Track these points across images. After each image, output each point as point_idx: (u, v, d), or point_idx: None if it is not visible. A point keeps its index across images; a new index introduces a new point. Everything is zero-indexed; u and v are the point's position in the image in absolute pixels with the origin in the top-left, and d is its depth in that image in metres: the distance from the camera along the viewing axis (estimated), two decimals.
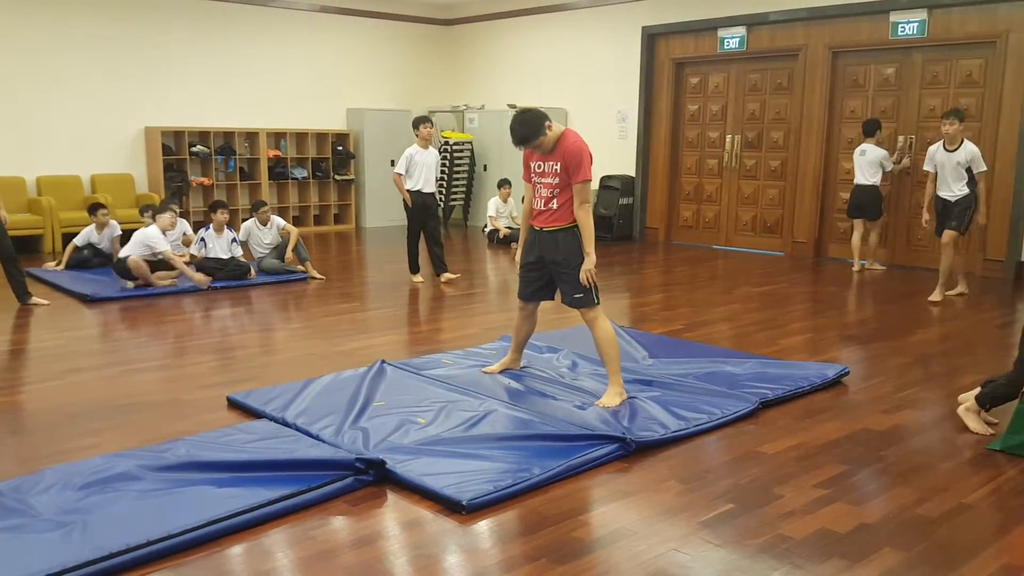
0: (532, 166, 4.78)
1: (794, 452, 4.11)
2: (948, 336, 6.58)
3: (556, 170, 4.63)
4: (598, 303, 4.75)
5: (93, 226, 9.17)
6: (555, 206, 4.68)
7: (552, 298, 5.04)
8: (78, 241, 9.15)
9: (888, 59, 9.87)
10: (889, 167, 9.33)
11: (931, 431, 4.45)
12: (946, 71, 9.46)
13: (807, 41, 10.38)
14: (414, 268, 8.73)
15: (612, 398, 4.64)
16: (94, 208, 9.17)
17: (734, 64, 11.22)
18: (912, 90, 9.72)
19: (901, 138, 9.73)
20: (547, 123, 4.57)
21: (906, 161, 9.61)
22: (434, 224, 8.74)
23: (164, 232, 8.21)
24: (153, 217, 8.61)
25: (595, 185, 11.52)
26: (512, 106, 13.00)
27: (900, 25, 9.55)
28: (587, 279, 4.65)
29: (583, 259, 4.66)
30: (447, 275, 8.76)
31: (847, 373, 5.33)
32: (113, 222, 9.25)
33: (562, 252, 4.71)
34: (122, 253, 8.11)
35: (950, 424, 4.54)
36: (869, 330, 6.78)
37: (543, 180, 4.71)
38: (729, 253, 11.14)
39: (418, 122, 8.46)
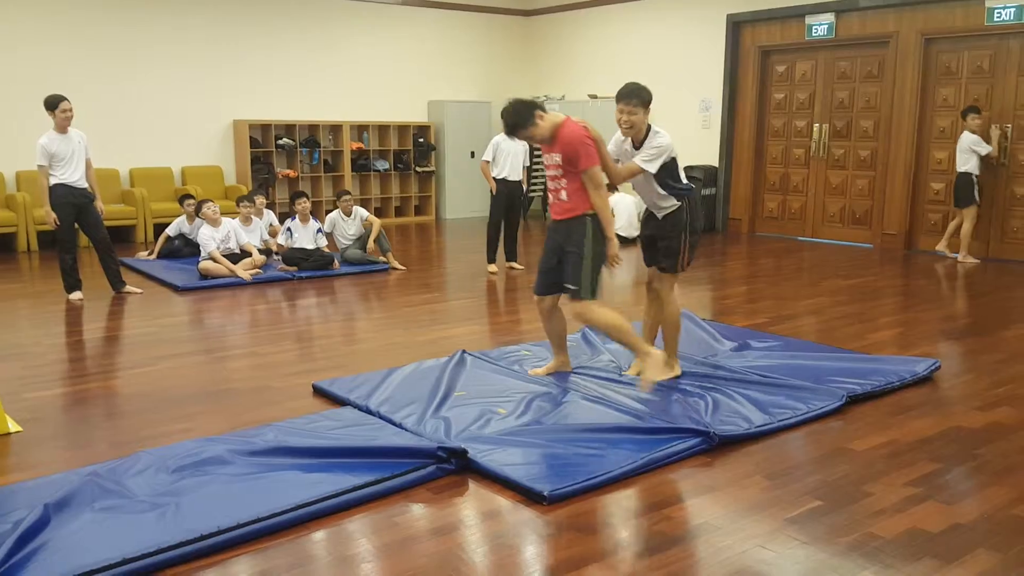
0: (544, 158, 4.71)
1: (884, 449, 4.00)
2: None
3: (557, 162, 4.54)
4: (591, 299, 4.60)
5: (184, 217, 9.45)
6: (564, 197, 4.59)
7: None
8: (170, 231, 9.43)
9: (983, 46, 9.53)
10: (984, 151, 9.06)
11: None
12: None
13: (898, 28, 10.08)
14: (491, 257, 8.79)
15: (656, 373, 4.64)
16: (183, 199, 9.47)
17: (822, 51, 10.96)
18: (1008, 78, 9.36)
19: (995, 127, 9.38)
20: (537, 112, 4.49)
21: (994, 148, 9.27)
22: (515, 214, 8.82)
23: (215, 224, 8.40)
24: (197, 212, 8.84)
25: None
26: (593, 96, 12.94)
27: (996, 11, 9.21)
28: (613, 264, 4.63)
29: (592, 247, 4.54)
30: (515, 264, 8.89)
31: (938, 367, 5.17)
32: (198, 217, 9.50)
33: (573, 241, 4.58)
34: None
35: None
36: (962, 325, 6.56)
37: (549, 172, 4.65)
38: (815, 245, 10.90)
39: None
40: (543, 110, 4.55)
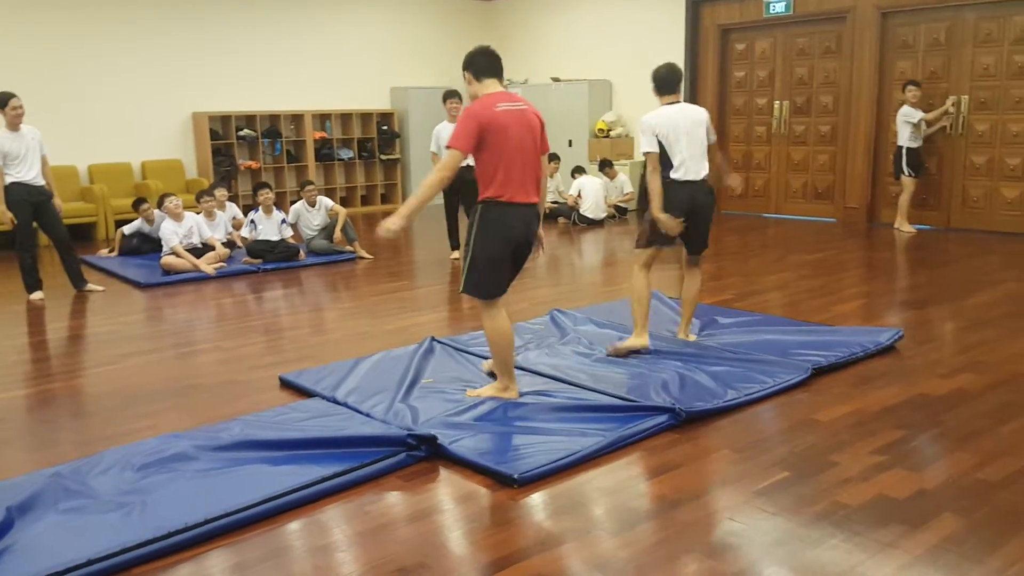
0: None
1: (849, 419, 4.04)
2: (1006, 299, 6.41)
3: None
4: (473, 296, 4.23)
5: (141, 219, 9.30)
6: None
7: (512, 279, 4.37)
8: (126, 230, 9.27)
9: (939, 18, 9.62)
10: (915, 119, 9.29)
11: (991, 395, 4.35)
12: (999, 28, 9.19)
13: (855, 3, 10.14)
14: (454, 243, 8.77)
15: (490, 390, 4.35)
16: (137, 203, 9.31)
17: (780, 28, 11.01)
18: (964, 49, 9.46)
19: (951, 98, 9.49)
20: (453, 101, 4.02)
21: (932, 115, 9.46)
22: (469, 199, 8.76)
23: (177, 219, 8.31)
24: (159, 206, 8.72)
25: (640, 157, 11.40)
26: (555, 79, 12.91)
27: None
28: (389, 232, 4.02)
29: (473, 240, 4.13)
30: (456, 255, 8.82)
31: (901, 337, 5.22)
32: (159, 212, 9.33)
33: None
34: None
35: (1010, 387, 4.44)
36: (924, 294, 6.64)
37: None
38: (779, 221, 10.98)
39: (445, 97, 8.27)
40: (469, 79, 4.33)
